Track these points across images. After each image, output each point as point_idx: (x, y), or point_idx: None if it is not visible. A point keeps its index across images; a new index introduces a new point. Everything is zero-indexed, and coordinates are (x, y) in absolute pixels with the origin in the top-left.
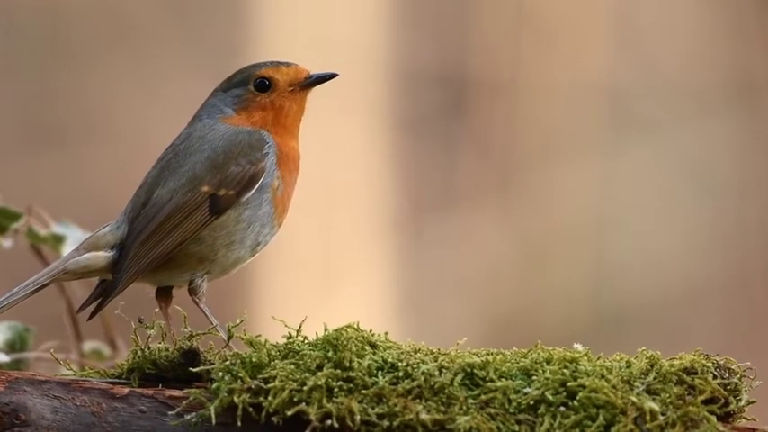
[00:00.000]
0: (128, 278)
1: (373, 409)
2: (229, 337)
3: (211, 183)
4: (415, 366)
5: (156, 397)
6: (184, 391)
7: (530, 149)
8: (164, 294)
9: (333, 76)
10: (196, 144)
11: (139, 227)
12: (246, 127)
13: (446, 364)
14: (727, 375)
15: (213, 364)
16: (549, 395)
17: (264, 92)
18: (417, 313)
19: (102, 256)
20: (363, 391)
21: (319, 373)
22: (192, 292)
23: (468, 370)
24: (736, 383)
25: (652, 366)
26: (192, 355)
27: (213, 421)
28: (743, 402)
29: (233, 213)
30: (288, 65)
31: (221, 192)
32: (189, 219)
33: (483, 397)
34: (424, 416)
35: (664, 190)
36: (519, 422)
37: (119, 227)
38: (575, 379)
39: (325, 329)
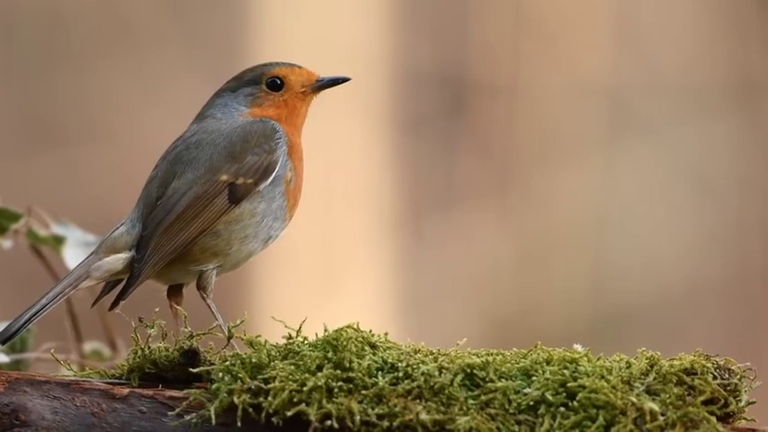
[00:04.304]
0: (150, 267)
1: (373, 409)
2: (229, 338)
3: (230, 172)
4: (414, 367)
5: (156, 397)
6: (184, 391)
7: (530, 150)
8: (174, 293)
9: (345, 80)
10: (210, 136)
11: (158, 218)
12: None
13: (446, 365)
14: (726, 376)
15: (213, 364)
16: (548, 396)
17: (277, 91)
18: (417, 314)
19: (122, 257)
20: (363, 392)
21: (319, 374)
22: (201, 287)
23: (468, 370)
24: (735, 384)
25: (652, 367)
26: (192, 355)
27: (213, 422)
28: (743, 403)
29: (248, 206)
30: (299, 66)
31: (239, 180)
32: (209, 208)
33: (483, 397)
34: (423, 416)
35: (664, 190)
36: (519, 423)
37: (133, 225)
38: (574, 379)
39: (325, 330)
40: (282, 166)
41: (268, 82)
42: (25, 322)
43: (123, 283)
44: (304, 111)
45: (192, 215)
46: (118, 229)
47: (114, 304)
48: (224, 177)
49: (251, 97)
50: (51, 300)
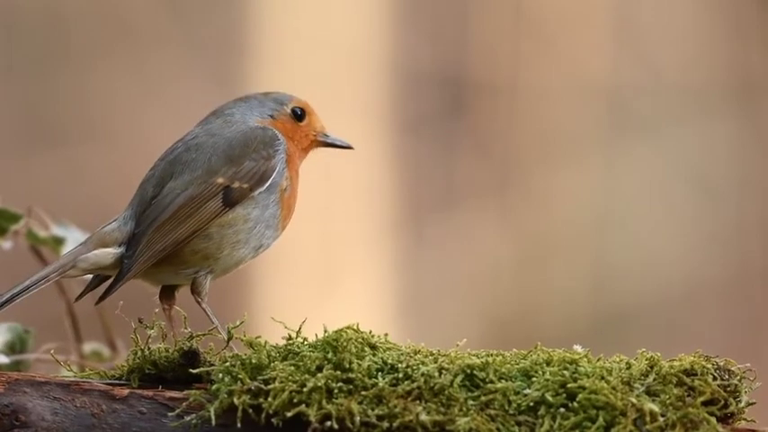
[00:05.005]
0: (139, 264)
1: (373, 410)
2: (229, 339)
3: (226, 175)
4: (414, 368)
5: (156, 398)
6: (184, 392)
7: (529, 150)
8: (167, 296)
9: (348, 147)
10: (211, 139)
11: (152, 215)
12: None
13: (446, 366)
14: (726, 377)
15: (213, 365)
16: (548, 396)
17: (296, 120)
18: (417, 314)
19: (111, 253)
20: (363, 393)
21: (319, 375)
22: (195, 291)
23: (468, 371)
24: (735, 385)
25: (652, 368)
26: (191, 356)
27: (213, 422)
28: (743, 404)
29: (242, 211)
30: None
31: (235, 184)
32: (202, 209)
33: (483, 398)
34: (423, 417)
35: (663, 190)
36: (519, 423)
37: (126, 223)
38: (574, 380)
39: (325, 331)
40: (279, 173)
41: (294, 108)
42: (5, 302)
43: (111, 279)
44: (306, 150)
45: (186, 215)
46: (110, 224)
47: (101, 299)
48: (220, 180)
49: (274, 112)
50: (35, 283)
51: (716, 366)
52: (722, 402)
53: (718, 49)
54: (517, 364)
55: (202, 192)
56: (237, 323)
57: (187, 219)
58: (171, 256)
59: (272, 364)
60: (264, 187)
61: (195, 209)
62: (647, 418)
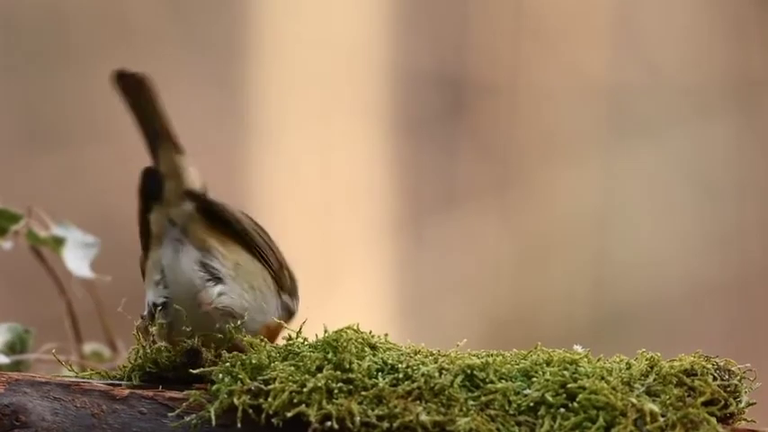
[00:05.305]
0: (222, 209)
1: (373, 410)
2: (229, 339)
3: (282, 256)
4: (415, 368)
5: (157, 398)
6: (184, 392)
7: (530, 150)
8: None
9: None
10: None
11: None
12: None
13: (446, 366)
14: (727, 377)
15: (214, 365)
16: (548, 397)
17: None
18: (417, 315)
19: (195, 176)
20: (363, 393)
21: (319, 375)
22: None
23: (468, 371)
24: (736, 385)
25: (652, 368)
26: (193, 355)
27: (213, 423)
28: (743, 404)
29: (263, 282)
30: None
31: (286, 264)
32: (264, 240)
33: (483, 398)
34: (423, 417)
35: (663, 190)
36: (519, 424)
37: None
38: (575, 380)
39: (325, 331)
40: (291, 304)
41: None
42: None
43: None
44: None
45: (257, 232)
46: None
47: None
48: (281, 254)
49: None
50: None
51: (716, 366)
52: (722, 402)
53: (718, 49)
54: (517, 365)
55: (272, 240)
56: (238, 323)
57: (255, 234)
58: (217, 238)
59: (272, 365)
60: (284, 298)
61: (264, 237)
62: (648, 419)
